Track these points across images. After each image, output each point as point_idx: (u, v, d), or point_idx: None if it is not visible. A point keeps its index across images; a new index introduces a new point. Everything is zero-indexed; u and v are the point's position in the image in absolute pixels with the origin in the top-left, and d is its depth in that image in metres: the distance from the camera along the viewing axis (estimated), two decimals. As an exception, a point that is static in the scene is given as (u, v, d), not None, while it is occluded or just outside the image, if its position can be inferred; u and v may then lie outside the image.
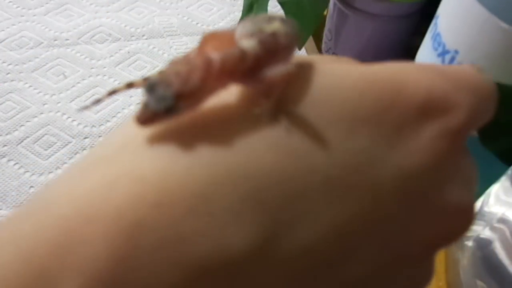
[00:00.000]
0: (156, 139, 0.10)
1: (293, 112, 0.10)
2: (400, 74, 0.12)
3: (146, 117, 0.10)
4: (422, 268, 0.12)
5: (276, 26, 0.11)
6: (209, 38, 0.11)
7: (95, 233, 0.09)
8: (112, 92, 0.11)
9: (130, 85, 0.11)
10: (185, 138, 0.10)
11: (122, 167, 0.10)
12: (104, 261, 0.08)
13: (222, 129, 0.10)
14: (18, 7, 0.57)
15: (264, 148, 0.10)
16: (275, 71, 0.10)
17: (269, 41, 0.11)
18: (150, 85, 0.10)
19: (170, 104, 0.09)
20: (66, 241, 0.09)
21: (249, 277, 0.09)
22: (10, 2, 0.57)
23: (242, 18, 0.45)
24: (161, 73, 0.10)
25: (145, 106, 0.10)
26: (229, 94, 0.11)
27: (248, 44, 0.11)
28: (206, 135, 0.10)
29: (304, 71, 0.11)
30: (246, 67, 0.10)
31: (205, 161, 0.09)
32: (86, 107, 0.12)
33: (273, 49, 0.11)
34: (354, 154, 0.10)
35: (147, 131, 0.10)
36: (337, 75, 0.11)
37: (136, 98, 0.47)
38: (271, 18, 0.12)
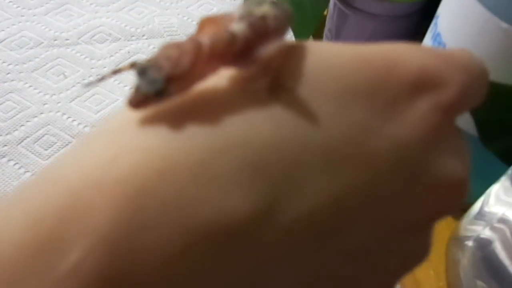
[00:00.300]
0: (159, 116, 0.10)
1: (289, 87, 0.11)
2: (393, 51, 0.12)
3: (138, 100, 0.10)
4: (418, 241, 0.13)
5: (265, 8, 0.11)
6: (206, 23, 0.12)
7: (102, 198, 0.09)
8: (117, 71, 0.12)
9: (133, 65, 0.11)
10: (186, 115, 0.10)
11: (127, 139, 0.10)
12: (110, 225, 0.09)
13: (221, 105, 0.10)
14: (18, 7, 0.57)
15: (262, 120, 0.10)
16: (267, 49, 0.11)
17: (259, 24, 0.11)
18: (141, 69, 0.10)
19: (160, 87, 0.10)
20: (74, 206, 0.09)
21: (250, 242, 0.09)
22: (10, 2, 0.57)
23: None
24: (152, 57, 0.10)
25: (137, 89, 0.10)
26: (225, 75, 0.11)
27: (237, 27, 0.11)
28: (206, 111, 0.10)
29: (298, 49, 0.12)
30: (236, 50, 0.11)
31: (206, 133, 0.10)
32: (91, 84, 0.13)
33: (262, 32, 0.11)
34: (349, 127, 0.11)
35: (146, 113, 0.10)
36: (331, 53, 0.12)
37: (136, 98, 0.47)
38: (262, 1, 0.12)
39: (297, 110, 0.10)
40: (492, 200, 0.26)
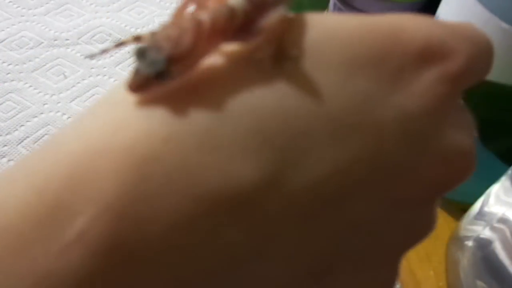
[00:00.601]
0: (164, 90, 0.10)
1: (293, 57, 0.10)
2: (399, 22, 0.12)
3: (138, 83, 0.09)
4: (424, 214, 0.12)
5: None
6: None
7: (106, 166, 0.09)
8: (120, 44, 0.12)
9: (137, 38, 0.11)
10: (192, 87, 0.10)
11: (131, 108, 0.10)
12: (116, 193, 0.09)
13: (226, 76, 0.10)
14: (18, 7, 0.57)
15: (267, 90, 0.10)
16: (268, 19, 0.11)
17: None
18: (140, 50, 0.10)
19: (161, 68, 0.09)
20: (78, 174, 0.09)
21: (255, 210, 0.09)
22: (10, 2, 0.57)
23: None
24: (151, 36, 0.10)
25: (136, 72, 0.09)
26: (228, 47, 0.11)
27: (235, 1, 0.10)
28: (211, 82, 0.10)
29: (303, 20, 0.11)
30: (236, 24, 0.10)
31: (211, 101, 0.10)
32: (93, 56, 0.13)
33: (260, 4, 0.11)
34: (354, 96, 0.10)
35: None
36: (336, 23, 0.11)
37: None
38: None
39: (302, 80, 0.10)
40: (492, 200, 0.26)
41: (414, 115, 0.11)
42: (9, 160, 0.42)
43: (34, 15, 0.56)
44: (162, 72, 0.09)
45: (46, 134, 0.44)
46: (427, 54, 0.11)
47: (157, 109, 0.10)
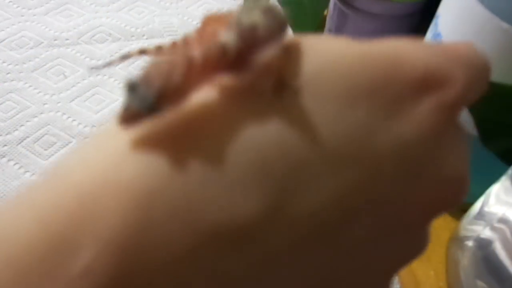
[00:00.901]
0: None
1: (294, 87, 0.11)
2: (398, 50, 0.12)
3: (128, 118, 0.10)
4: (417, 236, 0.13)
5: (255, 17, 0.11)
6: (210, 20, 0.12)
7: (110, 200, 0.09)
8: (125, 57, 0.12)
9: (142, 51, 0.11)
10: (194, 120, 0.10)
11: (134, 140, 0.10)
12: (119, 227, 0.09)
13: (227, 111, 0.10)
14: (18, 7, 0.57)
15: (269, 122, 0.10)
16: (263, 55, 0.11)
17: (248, 34, 0.11)
18: (131, 84, 0.10)
19: (151, 103, 0.09)
20: (83, 209, 0.09)
21: (256, 240, 0.09)
22: (10, 2, 0.57)
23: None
24: (143, 72, 0.10)
25: (127, 106, 0.10)
26: (224, 82, 0.11)
27: (227, 37, 0.11)
28: (211, 117, 0.10)
29: (303, 47, 0.11)
30: (229, 60, 0.10)
31: (213, 137, 0.10)
32: (97, 68, 0.13)
33: (252, 41, 0.11)
34: (353, 127, 0.11)
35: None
36: (336, 51, 0.12)
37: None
38: (255, 6, 0.11)
39: (301, 112, 0.10)
40: (492, 200, 0.26)
41: (411, 144, 0.11)
42: (9, 160, 0.42)
43: (34, 15, 0.56)
44: (153, 107, 0.09)
45: (46, 134, 0.44)
46: (425, 83, 0.12)
47: (159, 143, 0.10)
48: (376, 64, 0.11)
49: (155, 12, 0.58)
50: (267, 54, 0.11)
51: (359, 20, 0.40)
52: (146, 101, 0.09)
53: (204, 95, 0.11)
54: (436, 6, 0.30)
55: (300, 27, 0.40)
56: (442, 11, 0.29)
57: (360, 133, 0.11)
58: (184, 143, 0.10)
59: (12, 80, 0.49)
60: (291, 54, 0.11)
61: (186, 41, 0.11)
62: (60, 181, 0.10)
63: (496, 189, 0.26)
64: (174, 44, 0.12)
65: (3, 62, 0.50)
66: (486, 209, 0.26)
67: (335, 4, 0.41)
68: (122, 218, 0.09)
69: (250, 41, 0.11)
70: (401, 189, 0.11)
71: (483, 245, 0.25)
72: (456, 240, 0.28)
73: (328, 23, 0.44)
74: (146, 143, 0.10)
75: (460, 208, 0.31)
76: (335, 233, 0.10)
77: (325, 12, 0.45)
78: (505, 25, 0.24)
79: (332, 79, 0.11)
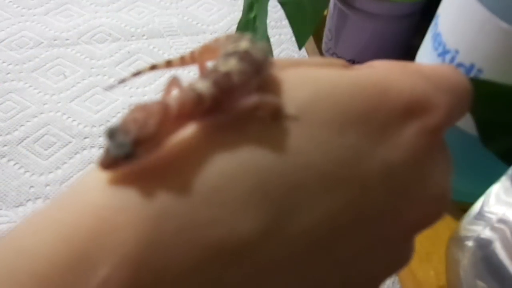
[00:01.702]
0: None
1: (291, 115, 0.12)
2: (385, 78, 0.13)
3: (107, 163, 0.10)
4: (403, 248, 0.14)
5: (231, 64, 0.12)
6: (206, 50, 0.13)
7: (125, 220, 0.10)
8: (137, 74, 0.13)
9: (153, 67, 0.12)
10: (204, 148, 0.11)
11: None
12: (133, 244, 0.10)
13: (232, 132, 0.11)
14: (18, 7, 0.57)
15: (268, 146, 0.11)
16: (242, 104, 0.11)
17: (223, 81, 0.12)
18: (110, 131, 0.11)
19: (128, 150, 0.10)
20: (102, 227, 0.10)
21: (256, 256, 0.10)
22: (10, 2, 0.57)
23: (242, 18, 0.45)
24: (122, 120, 0.11)
25: (107, 151, 0.10)
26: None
27: (202, 86, 0.11)
28: (221, 137, 0.11)
29: (297, 79, 0.12)
30: (205, 107, 0.11)
31: (219, 157, 0.11)
32: (112, 87, 0.14)
33: (228, 88, 0.12)
34: (344, 151, 0.12)
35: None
36: (329, 80, 0.12)
37: (137, 98, 0.47)
38: (231, 54, 0.12)
39: (298, 136, 0.11)
40: (492, 200, 0.26)
41: (397, 166, 0.12)
42: (9, 160, 0.42)
43: (34, 15, 0.56)
44: (129, 154, 0.10)
45: (46, 134, 0.44)
46: (411, 109, 0.13)
47: (165, 171, 0.11)
48: (365, 93, 0.12)
49: (155, 12, 0.58)
50: (247, 103, 0.11)
51: (359, 20, 0.40)
52: (123, 148, 0.10)
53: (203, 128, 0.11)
54: (436, 6, 0.30)
55: (300, 27, 0.40)
56: (442, 11, 0.29)
57: (350, 157, 0.12)
58: (192, 166, 0.11)
59: (12, 80, 0.49)
60: (287, 81, 0.12)
61: (192, 56, 0.13)
62: (79, 202, 0.11)
63: (496, 189, 0.26)
64: (182, 59, 0.14)
65: (3, 62, 0.50)
66: (486, 209, 0.26)
67: (335, 4, 0.41)
68: (135, 236, 0.10)
69: (225, 88, 0.12)
70: (388, 207, 0.12)
71: (483, 245, 0.25)
72: (456, 240, 0.28)
73: (328, 23, 0.44)
74: (153, 174, 0.11)
75: (460, 208, 0.31)
76: (327, 248, 0.11)
77: (325, 12, 0.45)
78: (505, 25, 0.24)
79: (324, 107, 0.12)
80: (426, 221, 0.13)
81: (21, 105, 0.47)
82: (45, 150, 0.43)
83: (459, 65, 0.27)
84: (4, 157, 0.42)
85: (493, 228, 0.24)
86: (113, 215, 0.10)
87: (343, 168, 0.11)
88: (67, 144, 0.44)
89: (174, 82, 0.13)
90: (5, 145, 0.43)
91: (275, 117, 0.11)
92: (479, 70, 0.26)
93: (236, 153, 0.11)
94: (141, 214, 0.10)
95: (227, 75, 0.12)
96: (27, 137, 0.44)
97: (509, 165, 0.26)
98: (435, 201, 0.13)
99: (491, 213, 0.25)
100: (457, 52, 0.27)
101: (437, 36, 0.29)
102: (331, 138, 0.11)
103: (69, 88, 0.49)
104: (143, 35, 0.55)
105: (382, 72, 0.13)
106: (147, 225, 0.10)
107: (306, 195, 0.11)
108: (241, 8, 0.44)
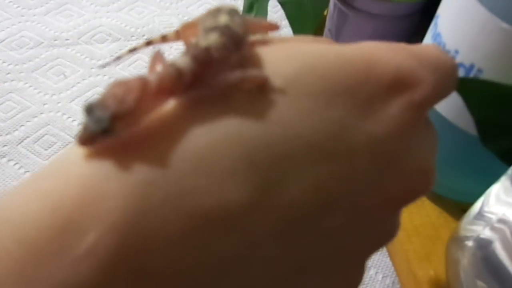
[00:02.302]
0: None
1: (277, 87, 0.12)
2: (372, 52, 0.13)
3: (85, 138, 0.10)
4: (388, 223, 0.14)
5: (211, 39, 0.12)
6: (187, 27, 0.13)
7: (111, 188, 0.10)
8: (133, 50, 0.13)
9: (149, 43, 0.13)
10: (190, 117, 0.11)
11: None
12: (120, 212, 0.10)
13: (219, 104, 0.11)
14: (18, 7, 0.57)
15: (254, 118, 0.11)
16: (225, 78, 0.11)
17: (203, 56, 0.12)
18: (88, 107, 0.10)
19: (106, 125, 0.10)
20: (89, 196, 0.10)
21: (243, 226, 0.11)
22: (10, 2, 0.57)
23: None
24: (101, 95, 0.11)
25: (85, 127, 0.10)
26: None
27: (182, 61, 0.11)
28: (203, 109, 0.11)
29: (285, 51, 0.13)
30: (185, 83, 0.11)
31: (205, 128, 0.11)
32: (106, 64, 0.14)
33: (207, 62, 0.12)
34: (330, 123, 0.12)
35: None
36: (316, 54, 0.13)
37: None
38: (211, 29, 0.12)
39: (286, 108, 0.11)
40: (492, 200, 0.26)
41: (382, 140, 0.12)
42: (9, 160, 0.42)
43: (34, 15, 0.56)
44: (107, 129, 0.10)
45: (46, 134, 0.44)
46: (397, 84, 0.13)
47: (153, 138, 0.11)
48: (351, 66, 0.12)
49: (155, 12, 0.58)
50: (230, 77, 0.11)
51: (359, 20, 0.40)
52: (101, 123, 0.10)
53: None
54: (436, 6, 0.30)
55: (300, 27, 0.40)
56: (442, 11, 0.29)
57: (337, 129, 0.12)
58: (178, 136, 0.11)
59: (12, 80, 0.49)
60: (276, 53, 0.12)
61: (185, 30, 0.13)
62: (65, 172, 0.11)
63: (496, 189, 0.26)
64: (177, 33, 0.14)
65: (3, 62, 0.50)
66: (486, 209, 0.26)
67: (335, 4, 0.41)
68: (122, 204, 0.10)
69: (205, 62, 0.12)
70: (374, 180, 0.12)
71: (483, 245, 0.25)
72: (456, 240, 0.28)
73: (328, 23, 0.44)
74: (144, 142, 0.11)
75: (460, 208, 0.31)
76: (314, 219, 0.12)
77: (325, 12, 0.45)
78: (505, 25, 0.24)
79: (311, 80, 0.12)
80: (411, 195, 0.14)
81: (21, 105, 0.47)
82: (45, 150, 0.43)
83: (459, 65, 0.27)
84: (4, 157, 0.42)
85: (493, 228, 0.24)
86: (98, 185, 0.10)
87: (330, 140, 0.12)
88: (67, 144, 0.44)
89: (157, 57, 0.13)
90: (5, 145, 0.43)
91: (261, 90, 0.11)
92: (479, 70, 0.26)
93: (220, 124, 0.11)
94: (126, 183, 0.10)
95: (207, 50, 0.12)
96: (27, 137, 0.44)
97: (509, 165, 0.26)
98: (420, 175, 0.13)
99: (491, 213, 0.25)
100: (457, 52, 0.27)
101: (437, 36, 0.29)
102: (318, 111, 0.12)
103: (69, 88, 0.49)
104: (143, 35, 0.55)
105: (369, 48, 0.13)
106: (134, 194, 0.10)
107: (294, 166, 0.11)
108: (241, 8, 0.44)
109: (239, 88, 0.11)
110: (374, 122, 0.12)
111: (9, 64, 0.50)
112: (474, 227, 0.26)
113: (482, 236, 0.25)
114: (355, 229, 0.13)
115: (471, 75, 0.26)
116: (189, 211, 0.10)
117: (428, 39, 0.31)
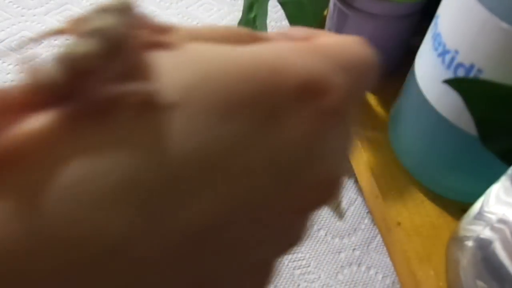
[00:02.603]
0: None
1: (165, 102, 0.10)
2: (277, 57, 0.12)
3: None
4: (294, 232, 0.14)
5: (87, 45, 0.10)
6: (73, 24, 0.12)
7: None
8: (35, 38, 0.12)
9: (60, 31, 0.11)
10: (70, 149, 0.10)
11: None
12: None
13: (95, 122, 0.10)
14: (18, 7, 0.57)
15: (137, 138, 0.10)
16: (103, 92, 0.10)
17: (77, 64, 0.10)
18: None
19: None
20: None
21: (128, 257, 0.10)
22: (10, 2, 0.57)
23: (242, 18, 0.45)
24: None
25: None
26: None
27: (52, 70, 0.10)
28: (79, 128, 0.10)
29: (185, 55, 0.11)
30: (55, 95, 0.10)
31: (79, 151, 0.10)
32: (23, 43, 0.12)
33: (83, 73, 0.10)
34: (227, 139, 0.11)
35: None
36: (214, 60, 0.11)
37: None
38: (90, 32, 0.11)
39: (174, 126, 0.10)
40: (492, 200, 0.26)
41: (286, 154, 0.11)
42: (9, 160, 0.42)
43: (34, 15, 0.56)
44: None
45: (46, 134, 0.44)
46: (304, 92, 0.12)
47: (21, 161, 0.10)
48: (254, 74, 0.11)
49: (155, 12, 0.58)
50: (109, 90, 0.10)
51: (359, 20, 0.40)
52: None
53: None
54: (436, 6, 0.30)
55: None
56: (442, 11, 0.29)
57: (233, 145, 0.11)
58: (46, 164, 0.09)
59: (12, 80, 0.49)
60: (170, 63, 0.11)
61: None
62: None
63: (496, 189, 0.26)
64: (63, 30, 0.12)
65: (3, 62, 0.50)
66: (486, 209, 0.26)
67: (335, 4, 0.41)
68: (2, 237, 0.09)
69: (80, 72, 0.10)
70: (277, 194, 0.12)
71: (483, 245, 0.25)
72: (456, 240, 0.28)
73: (328, 23, 0.44)
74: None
75: (460, 208, 0.31)
76: (211, 239, 0.11)
77: (325, 12, 0.45)
78: (505, 25, 0.24)
79: (207, 91, 0.11)
80: (315, 205, 0.13)
81: (21, 105, 0.47)
82: (45, 150, 0.43)
83: (459, 65, 0.27)
84: (4, 157, 0.42)
85: (493, 228, 0.24)
86: None
87: (226, 159, 0.10)
88: (67, 144, 0.44)
89: (25, 64, 0.11)
90: (5, 145, 0.43)
91: (147, 106, 0.10)
92: (479, 70, 0.26)
93: (97, 147, 0.10)
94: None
95: (84, 57, 0.10)
96: (27, 137, 0.44)
97: (509, 165, 0.26)
98: (327, 186, 0.13)
99: (491, 213, 0.25)
100: (457, 52, 0.27)
101: (437, 36, 0.29)
102: (212, 127, 0.10)
103: (69, 88, 0.49)
104: (143, 35, 0.55)
105: (275, 51, 0.12)
106: (13, 228, 0.09)
107: (183, 191, 0.10)
108: (241, 8, 0.44)
109: (122, 104, 0.10)
110: (278, 135, 0.11)
111: (9, 64, 0.50)
112: (474, 227, 0.26)
113: (482, 236, 0.25)
114: (258, 239, 0.12)
115: (471, 75, 0.26)
116: (64, 244, 0.09)
117: (428, 39, 0.31)
